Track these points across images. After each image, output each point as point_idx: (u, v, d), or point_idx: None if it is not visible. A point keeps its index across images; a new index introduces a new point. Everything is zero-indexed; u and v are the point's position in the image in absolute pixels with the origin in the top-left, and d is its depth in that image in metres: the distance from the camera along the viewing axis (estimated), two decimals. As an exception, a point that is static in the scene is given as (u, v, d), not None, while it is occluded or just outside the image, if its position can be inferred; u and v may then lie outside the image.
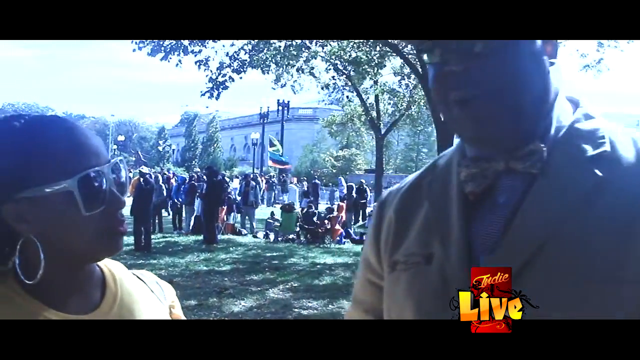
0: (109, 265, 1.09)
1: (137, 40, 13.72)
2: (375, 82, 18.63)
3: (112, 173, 0.98)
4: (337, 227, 15.45)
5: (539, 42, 0.97)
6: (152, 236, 13.41)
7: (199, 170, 25.15)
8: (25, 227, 0.94)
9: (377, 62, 16.43)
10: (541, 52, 0.97)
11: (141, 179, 12.99)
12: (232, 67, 14.99)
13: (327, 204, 23.70)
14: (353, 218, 19.87)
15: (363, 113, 20.53)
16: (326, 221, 15.45)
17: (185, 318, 1.20)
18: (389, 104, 20.68)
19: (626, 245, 0.88)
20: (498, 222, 0.97)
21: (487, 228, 0.98)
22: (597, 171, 0.93)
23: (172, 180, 21.29)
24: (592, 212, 0.90)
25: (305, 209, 16.31)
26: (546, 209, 0.93)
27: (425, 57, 1.02)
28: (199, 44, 14.18)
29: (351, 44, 15.26)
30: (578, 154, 0.95)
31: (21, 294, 0.96)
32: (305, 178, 34.78)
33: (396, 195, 1.18)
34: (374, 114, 19.84)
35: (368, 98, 19.85)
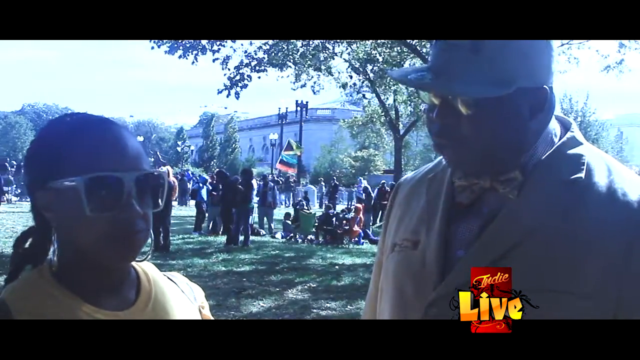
0: (143, 265, 1.14)
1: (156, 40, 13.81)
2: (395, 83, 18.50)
3: (138, 182, 0.97)
4: (356, 227, 15.43)
5: (518, 101, 1.06)
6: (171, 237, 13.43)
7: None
8: (51, 216, 1.01)
9: (395, 62, 16.34)
10: (518, 109, 1.07)
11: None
12: (250, 66, 14.99)
13: (345, 204, 23.61)
14: (372, 219, 19.79)
15: (382, 114, 20.45)
16: (344, 222, 15.44)
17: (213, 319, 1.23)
18: (409, 104, 20.53)
19: (584, 265, 0.99)
20: (477, 225, 1.13)
21: (467, 227, 1.15)
22: (568, 195, 1.04)
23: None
24: (559, 230, 1.02)
25: (324, 210, 16.29)
26: (518, 220, 1.06)
27: (422, 94, 1.15)
28: (217, 43, 14.21)
29: (370, 44, 15.19)
30: (556, 176, 1.07)
31: (59, 288, 1.01)
32: (322, 179, 34.64)
33: (408, 184, 1.34)
34: (393, 114, 19.75)
35: (387, 99, 19.75)
